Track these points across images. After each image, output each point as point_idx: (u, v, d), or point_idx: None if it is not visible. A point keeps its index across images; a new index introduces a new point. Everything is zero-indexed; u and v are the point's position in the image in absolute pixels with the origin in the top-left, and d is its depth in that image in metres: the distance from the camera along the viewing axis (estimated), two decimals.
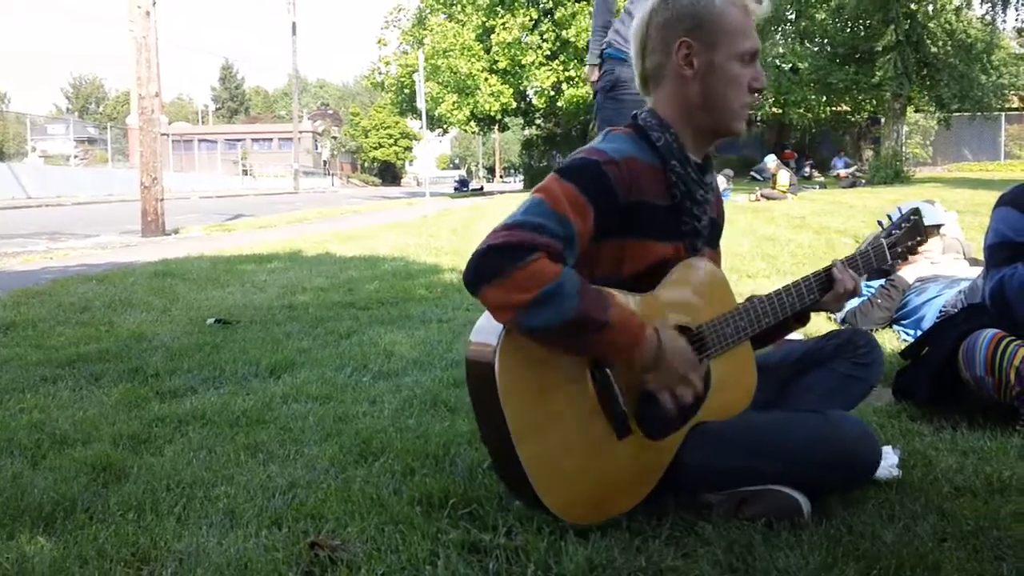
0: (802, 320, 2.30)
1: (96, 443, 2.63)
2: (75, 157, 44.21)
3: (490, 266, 1.74)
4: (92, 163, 45.55)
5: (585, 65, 4.46)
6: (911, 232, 2.37)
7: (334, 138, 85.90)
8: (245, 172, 62.35)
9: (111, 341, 4.21)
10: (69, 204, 26.68)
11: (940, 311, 3.83)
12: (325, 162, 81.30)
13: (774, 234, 9.38)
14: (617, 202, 1.90)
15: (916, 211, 2.42)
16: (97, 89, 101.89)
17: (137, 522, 2.05)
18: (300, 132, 57.45)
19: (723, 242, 2.31)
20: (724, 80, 1.99)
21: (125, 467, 2.42)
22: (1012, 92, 31.43)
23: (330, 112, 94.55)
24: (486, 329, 1.84)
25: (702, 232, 2.10)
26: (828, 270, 2.22)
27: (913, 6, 26.65)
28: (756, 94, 2.04)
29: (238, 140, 74.41)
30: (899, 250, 2.35)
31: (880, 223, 2.43)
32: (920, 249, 2.43)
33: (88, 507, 2.15)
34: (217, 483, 2.29)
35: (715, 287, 2.11)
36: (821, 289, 2.21)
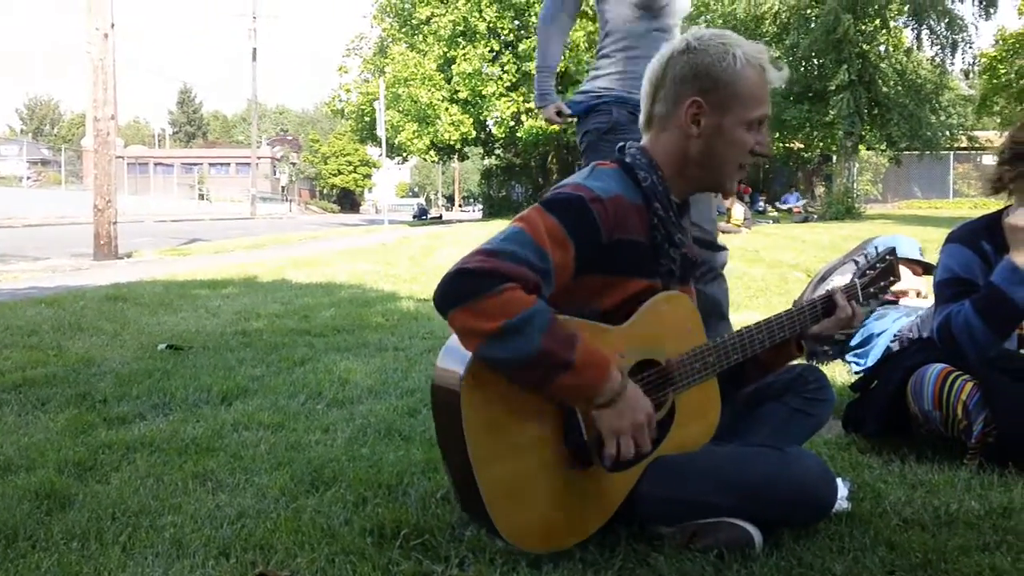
0: (802, 348, 2.31)
1: (40, 470, 2.57)
2: (27, 179, 43.60)
3: (461, 289, 1.73)
4: (45, 185, 44.96)
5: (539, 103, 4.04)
6: (885, 272, 2.38)
7: (293, 164, 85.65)
8: (201, 196, 61.87)
9: (59, 366, 4.13)
10: (20, 226, 26.23)
11: (895, 336, 3.88)
12: (283, 188, 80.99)
13: (728, 267, 9.45)
14: (600, 240, 1.90)
15: (892, 251, 2.43)
16: (52, 110, 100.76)
17: (81, 551, 2.01)
18: (258, 157, 57.20)
19: None
20: (727, 143, 2.01)
21: (70, 495, 2.37)
22: (960, 132, 32.23)
23: (289, 138, 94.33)
24: (454, 355, 1.83)
25: (676, 272, 2.12)
26: (828, 298, 2.25)
27: (865, 47, 27.29)
28: (757, 158, 2.06)
29: (195, 164, 73.89)
30: (872, 290, 2.36)
31: (855, 261, 2.44)
32: (899, 288, 2.45)
33: (31, 535, 2.10)
34: (164, 512, 2.25)
35: (686, 322, 2.11)
36: (814, 318, 2.23)
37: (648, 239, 2.02)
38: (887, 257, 2.41)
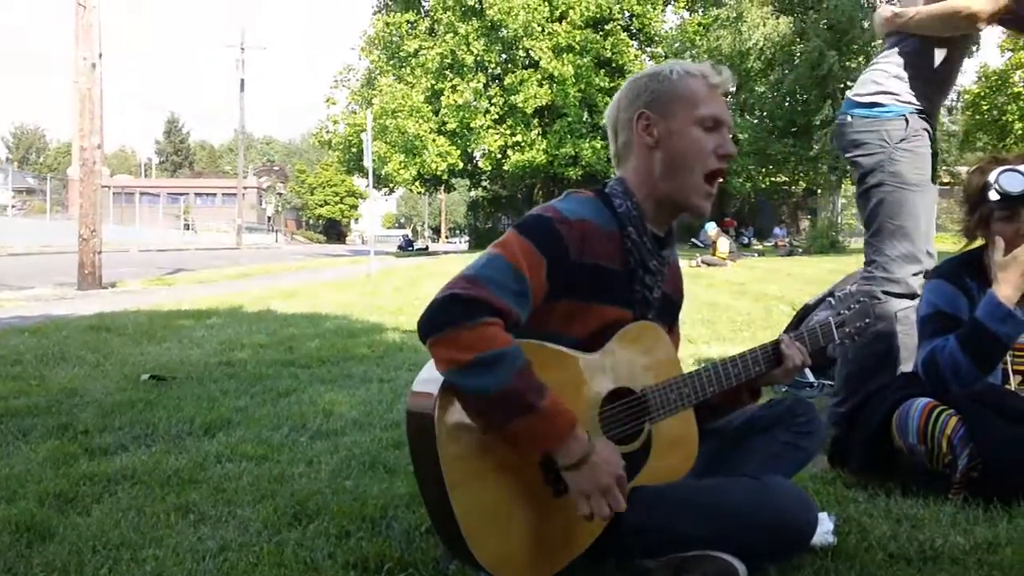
0: (755, 394, 2.32)
1: (21, 501, 2.55)
2: (12, 207, 43.48)
3: (445, 315, 1.77)
4: (30, 213, 44.85)
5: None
6: (860, 314, 2.41)
7: (279, 194, 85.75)
8: (187, 226, 61.76)
9: (41, 396, 4.10)
10: (4, 255, 26.10)
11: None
12: (269, 218, 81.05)
13: (714, 300, 9.52)
14: (569, 258, 1.94)
15: (866, 293, 2.47)
16: (39, 139, 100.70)
17: None
18: (245, 188, 57.22)
19: None
20: (684, 145, 2.04)
21: (50, 527, 2.34)
22: (943, 168, 32.57)
23: (276, 168, 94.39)
24: (428, 379, 1.84)
25: (652, 304, 2.13)
26: (776, 344, 2.25)
27: (850, 83, 27.59)
28: (723, 162, 2.07)
29: (181, 194, 73.78)
30: (847, 330, 2.39)
31: (830, 301, 2.48)
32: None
33: (10, 568, 2.07)
34: (145, 545, 2.22)
35: (660, 352, 2.13)
36: (768, 363, 2.24)
37: (622, 265, 2.05)
38: (861, 299, 2.44)
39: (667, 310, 2.24)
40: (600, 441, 1.86)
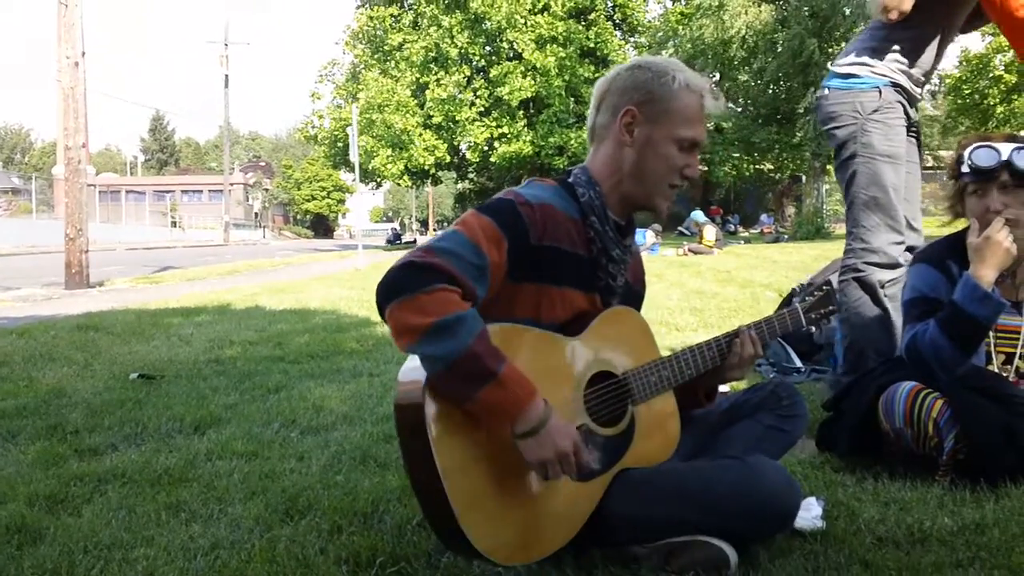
0: (711, 397, 2.35)
1: (11, 503, 2.54)
2: None
3: (401, 282, 1.76)
4: (15, 214, 44.59)
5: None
6: (824, 300, 2.50)
7: (266, 190, 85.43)
8: (174, 224, 61.48)
9: (30, 397, 4.08)
10: None
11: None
12: (256, 214, 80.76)
13: (701, 288, 9.54)
14: (529, 241, 1.95)
15: (828, 282, 2.55)
16: (23, 139, 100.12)
17: None
18: (231, 184, 57.00)
19: (652, 295, 2.35)
20: (656, 157, 2.07)
21: (41, 528, 2.34)
22: (927, 152, 32.70)
23: (262, 164, 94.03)
24: (414, 370, 1.84)
25: (616, 291, 2.16)
26: (735, 334, 2.28)
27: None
28: (685, 181, 2.11)
29: (167, 191, 73.44)
30: (813, 316, 2.47)
31: (793, 290, 2.57)
32: None
33: (1, 570, 2.07)
34: (136, 544, 2.22)
35: (640, 336, 2.18)
36: (722, 355, 2.26)
37: (587, 252, 2.08)
38: (824, 287, 2.53)
39: (630, 299, 2.26)
40: (555, 413, 1.84)
